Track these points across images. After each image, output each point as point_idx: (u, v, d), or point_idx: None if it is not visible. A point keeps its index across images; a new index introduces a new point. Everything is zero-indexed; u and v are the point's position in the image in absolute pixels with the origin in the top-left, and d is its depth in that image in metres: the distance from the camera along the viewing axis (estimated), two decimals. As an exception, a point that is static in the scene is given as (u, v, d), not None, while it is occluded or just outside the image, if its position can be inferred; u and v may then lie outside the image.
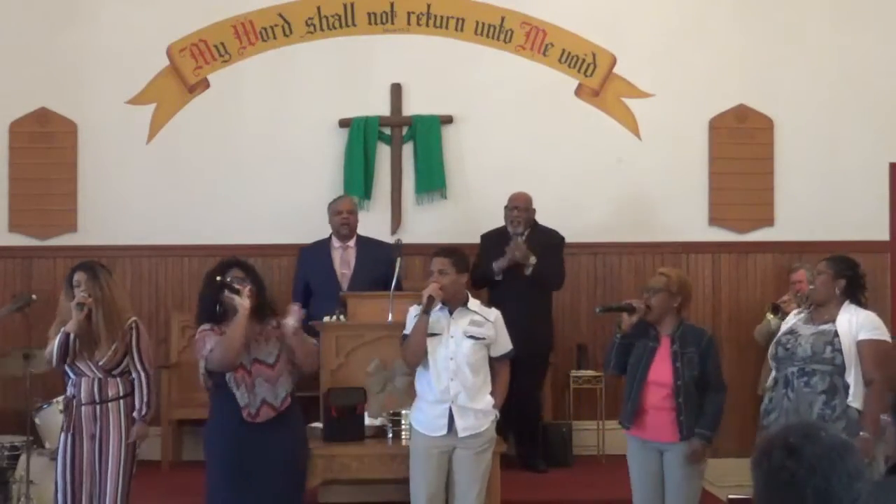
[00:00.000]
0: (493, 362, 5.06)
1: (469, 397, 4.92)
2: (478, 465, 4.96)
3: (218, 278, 4.65)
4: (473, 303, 5.07)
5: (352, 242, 6.89)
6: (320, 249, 6.91)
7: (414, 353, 4.96)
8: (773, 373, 4.92)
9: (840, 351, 4.67)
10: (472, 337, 4.95)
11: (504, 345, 5.09)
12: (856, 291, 4.82)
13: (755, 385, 7.16)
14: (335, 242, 6.91)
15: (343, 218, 6.86)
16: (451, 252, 5.11)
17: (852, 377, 4.66)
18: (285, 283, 7.16)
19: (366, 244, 6.91)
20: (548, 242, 6.79)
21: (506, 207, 6.86)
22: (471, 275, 6.34)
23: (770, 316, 6.72)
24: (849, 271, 4.83)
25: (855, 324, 4.71)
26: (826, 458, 2.08)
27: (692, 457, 4.76)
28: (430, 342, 4.94)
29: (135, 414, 5.06)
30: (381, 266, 6.63)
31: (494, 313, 5.09)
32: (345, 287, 6.70)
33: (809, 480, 2.07)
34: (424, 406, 4.98)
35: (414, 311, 5.03)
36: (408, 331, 5.00)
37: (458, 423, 4.89)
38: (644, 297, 4.91)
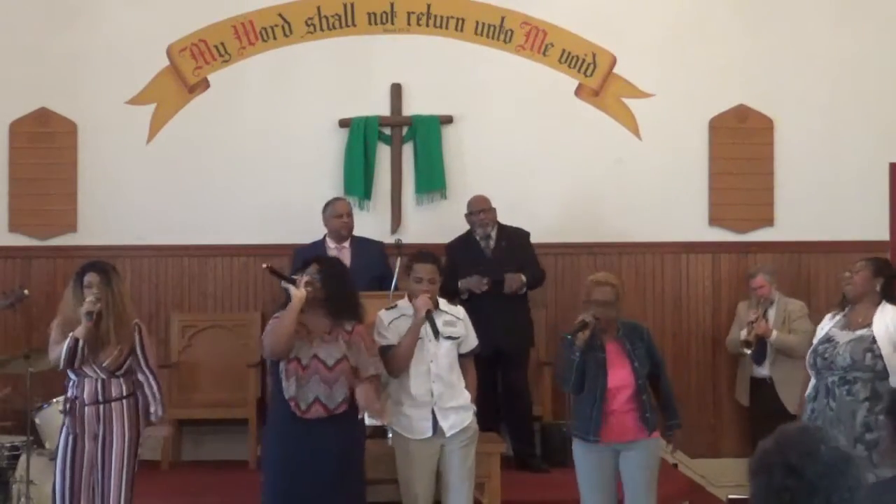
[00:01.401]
0: (461, 359, 5.09)
1: (449, 397, 4.96)
2: (466, 460, 4.99)
3: (264, 265, 4.70)
4: (442, 302, 5.09)
5: (347, 243, 6.88)
6: (316, 251, 6.88)
7: (404, 365, 4.94)
8: (813, 382, 4.86)
9: (880, 357, 4.60)
10: (449, 337, 4.98)
11: (472, 341, 5.15)
12: (892, 291, 4.77)
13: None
14: (330, 243, 6.89)
15: (343, 221, 6.85)
16: (435, 258, 5.14)
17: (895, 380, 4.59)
18: (285, 283, 7.15)
19: (359, 244, 6.90)
20: (518, 242, 6.80)
21: (469, 214, 6.84)
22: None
23: (746, 351, 6.75)
24: (886, 271, 4.79)
25: (892, 327, 4.63)
26: (827, 477, 2.07)
27: (676, 446, 5.07)
28: None
29: (152, 416, 5.08)
30: (375, 264, 6.67)
31: (462, 311, 5.16)
32: None
33: (811, 500, 2.06)
34: (407, 410, 4.98)
35: (386, 317, 5.02)
36: (388, 341, 4.96)
37: (443, 423, 4.93)
38: (593, 312, 4.82)
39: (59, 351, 4.90)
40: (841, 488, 2.07)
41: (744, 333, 6.71)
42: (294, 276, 4.71)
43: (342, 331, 4.73)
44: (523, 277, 6.63)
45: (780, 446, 2.12)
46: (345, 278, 4.88)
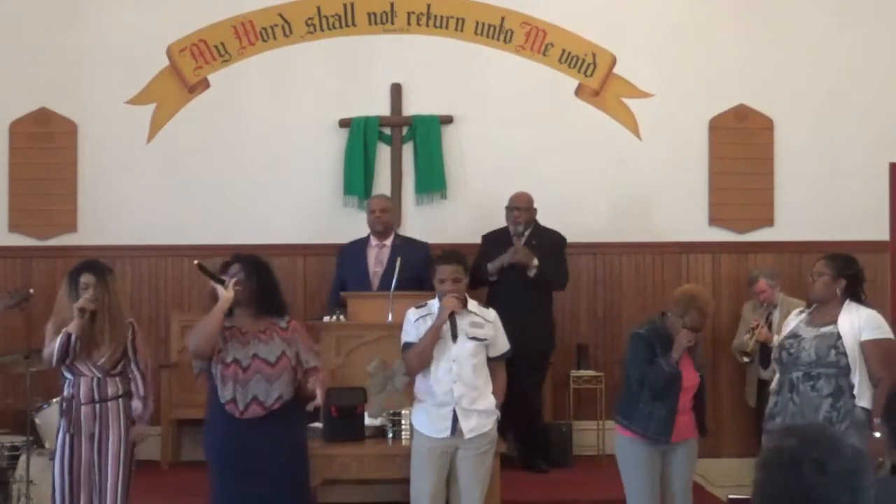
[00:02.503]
0: (491, 362, 5.04)
1: (472, 399, 4.91)
2: (481, 466, 4.96)
3: (196, 261, 4.70)
4: (472, 304, 5.05)
5: (388, 241, 6.87)
6: (357, 248, 6.92)
7: (422, 363, 4.92)
8: (777, 376, 4.90)
9: (844, 353, 4.63)
10: (473, 338, 4.94)
11: (502, 345, 5.09)
12: (856, 289, 4.79)
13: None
14: (372, 241, 6.91)
15: (376, 216, 6.86)
16: (460, 257, 5.12)
17: (857, 377, 4.62)
18: (285, 283, 7.06)
19: (402, 243, 6.87)
20: (549, 243, 6.80)
21: (507, 207, 6.87)
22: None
23: (745, 360, 6.81)
24: (848, 270, 4.79)
25: (857, 324, 4.66)
26: (852, 474, 2.10)
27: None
28: None
29: (134, 415, 5.05)
30: (415, 265, 6.41)
31: (492, 314, 5.10)
32: (375, 286, 6.68)
33: (840, 497, 2.08)
34: (428, 408, 4.95)
35: (413, 315, 5.00)
36: (410, 338, 4.95)
37: (463, 424, 4.88)
38: (689, 336, 4.90)
39: (52, 347, 4.91)
40: (864, 485, 2.10)
41: (746, 338, 6.72)
42: (223, 277, 4.68)
43: (276, 327, 4.71)
44: (536, 260, 6.60)
45: (806, 443, 2.13)
46: (269, 274, 4.83)
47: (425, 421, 4.96)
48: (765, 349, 6.75)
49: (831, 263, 4.81)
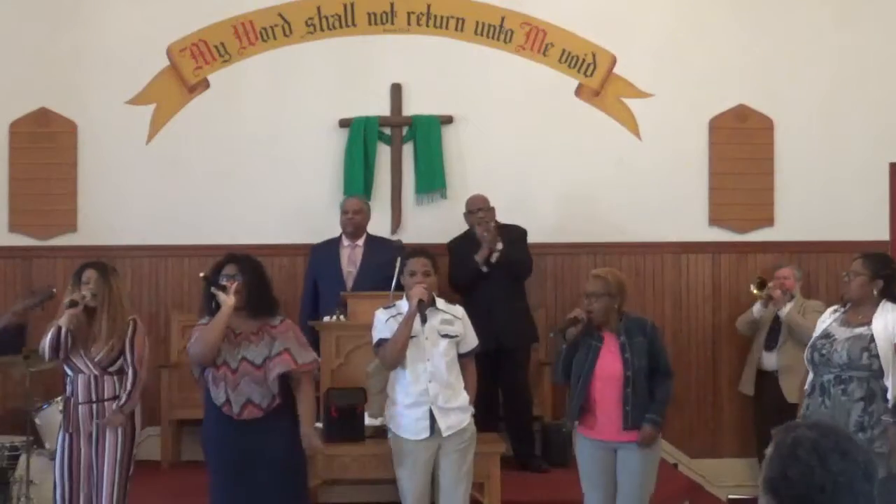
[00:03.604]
0: (462, 359, 5.06)
1: (447, 397, 4.93)
2: (462, 463, 4.96)
3: (201, 274, 4.72)
4: (440, 301, 5.08)
5: (360, 241, 6.89)
6: (329, 248, 6.94)
7: (398, 356, 4.91)
8: (811, 377, 4.82)
9: (877, 356, 4.57)
10: (446, 336, 4.96)
11: (471, 340, 5.12)
12: (892, 289, 4.74)
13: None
14: (344, 241, 6.92)
15: (348, 217, 6.88)
16: (428, 253, 5.15)
17: (890, 380, 4.56)
18: (285, 283, 7.16)
19: (374, 243, 6.90)
20: (512, 236, 6.81)
21: (468, 213, 6.88)
22: (450, 279, 6.36)
23: (755, 291, 6.76)
24: (886, 270, 4.74)
25: (891, 326, 4.60)
26: (871, 464, 2.12)
27: (643, 441, 4.74)
28: None
29: (113, 406, 5.01)
30: (387, 266, 6.44)
31: (460, 310, 5.13)
32: (349, 286, 6.70)
33: (863, 486, 2.10)
34: (403, 410, 4.96)
35: (383, 315, 5.00)
36: (383, 335, 4.95)
37: (441, 423, 4.90)
38: (584, 304, 4.83)
39: (44, 340, 4.94)
40: (877, 476, 2.13)
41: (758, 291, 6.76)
42: (224, 283, 4.68)
43: (268, 327, 4.71)
44: (500, 244, 6.60)
45: (826, 434, 2.14)
46: (263, 273, 4.84)
47: (403, 424, 4.96)
48: (773, 330, 6.74)
49: (869, 263, 4.76)
